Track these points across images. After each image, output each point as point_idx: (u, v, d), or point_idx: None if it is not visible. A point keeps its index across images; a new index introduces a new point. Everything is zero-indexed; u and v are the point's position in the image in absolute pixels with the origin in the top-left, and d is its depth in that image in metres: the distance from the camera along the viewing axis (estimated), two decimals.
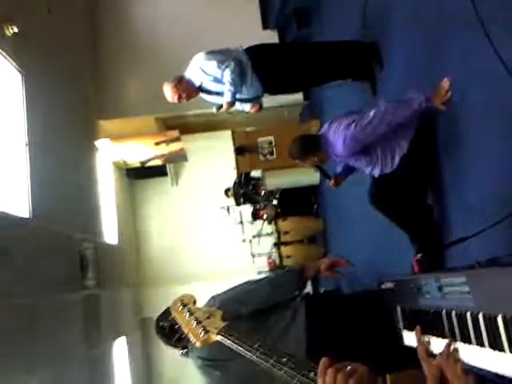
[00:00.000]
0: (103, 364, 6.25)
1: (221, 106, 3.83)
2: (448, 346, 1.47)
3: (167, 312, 2.26)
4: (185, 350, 2.25)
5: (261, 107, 4.03)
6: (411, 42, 3.21)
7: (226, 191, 7.69)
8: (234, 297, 2.21)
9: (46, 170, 5.17)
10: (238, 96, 3.73)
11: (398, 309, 1.93)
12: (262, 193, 7.39)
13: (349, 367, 0.89)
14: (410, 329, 1.84)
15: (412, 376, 2.38)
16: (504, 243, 2.00)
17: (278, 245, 7.14)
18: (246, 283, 2.31)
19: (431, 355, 1.52)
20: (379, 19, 3.76)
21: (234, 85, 3.60)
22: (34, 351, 4.25)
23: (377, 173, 2.94)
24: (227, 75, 3.56)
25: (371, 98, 3.96)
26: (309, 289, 2.78)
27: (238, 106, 3.91)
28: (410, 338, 1.86)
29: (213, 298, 2.26)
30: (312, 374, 0.91)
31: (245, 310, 2.11)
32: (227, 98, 3.68)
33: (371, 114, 2.77)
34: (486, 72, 2.21)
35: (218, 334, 1.22)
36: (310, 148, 3.07)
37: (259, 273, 8.06)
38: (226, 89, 3.63)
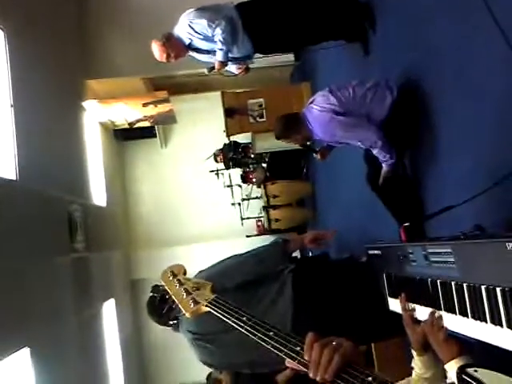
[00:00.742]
0: (93, 326, 6.31)
1: (213, 67, 3.74)
2: (432, 313, 1.49)
3: (158, 291, 2.30)
4: (175, 322, 2.29)
5: (247, 69, 3.94)
6: (404, 8, 3.13)
7: (216, 156, 7.56)
8: (218, 271, 2.24)
9: (32, 131, 5.07)
10: (229, 55, 3.64)
11: (384, 275, 1.95)
12: (252, 156, 7.35)
13: (334, 342, 0.91)
14: (395, 295, 1.86)
15: (396, 344, 2.44)
16: (487, 213, 2.01)
17: (266, 208, 7.15)
18: (230, 257, 2.34)
19: (416, 322, 1.55)
20: None
21: (225, 44, 3.51)
22: (25, 314, 4.28)
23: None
24: (218, 34, 3.46)
25: (362, 59, 3.90)
26: (296, 253, 2.81)
27: (227, 66, 3.83)
28: (395, 304, 1.88)
29: (199, 272, 2.27)
30: (298, 348, 0.93)
31: (229, 283, 2.13)
32: (219, 57, 3.58)
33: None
34: (483, 41, 2.16)
35: (207, 305, 1.23)
36: (292, 127, 3.08)
37: (247, 236, 8.13)
38: (218, 48, 3.53)
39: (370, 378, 0.82)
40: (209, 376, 3.07)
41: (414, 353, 1.56)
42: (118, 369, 7.16)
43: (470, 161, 2.31)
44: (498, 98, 2.06)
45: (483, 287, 1.23)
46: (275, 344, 0.96)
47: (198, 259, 5.53)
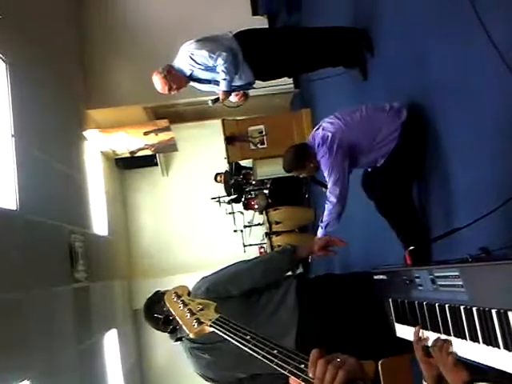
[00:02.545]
0: (94, 357, 6.21)
1: (217, 98, 3.75)
2: (439, 338, 1.45)
3: (159, 300, 2.24)
4: (176, 338, 2.23)
5: (246, 95, 3.96)
6: (402, 30, 3.16)
7: (216, 176, 7.63)
8: (224, 277, 2.20)
9: (33, 161, 5.09)
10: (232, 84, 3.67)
11: (390, 301, 1.90)
12: (253, 182, 7.35)
13: (339, 359, 0.88)
14: (402, 321, 1.81)
15: (402, 362, 2.37)
16: (493, 234, 1.98)
17: (269, 235, 7.10)
18: (237, 263, 2.29)
19: (430, 355, 1.49)
20: (371, 5, 3.71)
21: (228, 73, 3.53)
22: (25, 345, 4.21)
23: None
24: (220, 65, 3.49)
25: (362, 84, 3.92)
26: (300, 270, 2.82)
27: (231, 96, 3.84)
28: (402, 331, 1.83)
29: (203, 278, 2.23)
30: (303, 365, 0.91)
31: (236, 290, 2.10)
32: (223, 87, 3.60)
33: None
34: (480, 60, 2.17)
35: (211, 325, 1.23)
36: (303, 156, 3.04)
37: None
38: (221, 78, 3.55)
39: None
40: None
41: None
42: None
43: (475, 182, 2.29)
44: (499, 114, 2.06)
45: (494, 311, 1.19)
46: (279, 362, 0.95)
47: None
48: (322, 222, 2.97)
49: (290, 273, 2.31)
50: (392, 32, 3.35)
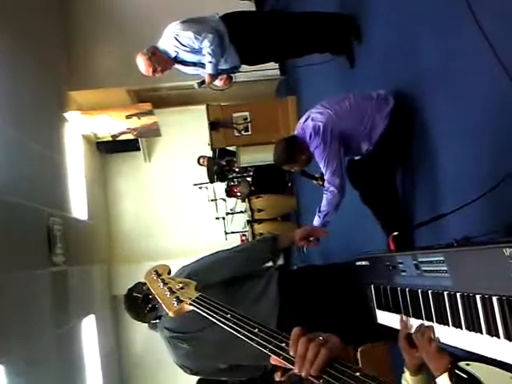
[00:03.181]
0: (72, 342, 6.14)
1: (203, 81, 3.68)
2: (422, 324, 1.43)
3: (139, 284, 2.23)
4: (154, 321, 2.21)
5: (230, 78, 3.89)
6: (390, 17, 3.13)
7: (199, 159, 7.60)
8: (204, 265, 2.18)
9: (11, 141, 4.96)
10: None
11: (372, 287, 1.89)
12: (237, 170, 7.30)
13: (321, 337, 0.87)
14: (383, 308, 1.80)
15: (381, 349, 2.38)
16: (477, 222, 1.98)
17: (251, 222, 7.08)
18: (216, 253, 2.26)
19: (414, 345, 1.48)
20: None
21: (214, 56, 3.46)
22: (1, 329, 4.12)
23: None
24: (206, 47, 3.41)
25: (349, 72, 3.89)
26: (281, 261, 2.78)
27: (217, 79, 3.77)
28: (383, 317, 1.82)
29: (183, 267, 2.21)
30: (284, 344, 0.90)
31: (216, 277, 2.07)
32: (209, 70, 3.52)
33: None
34: (469, 49, 2.15)
35: (190, 303, 1.21)
36: (295, 147, 2.96)
37: None
38: (207, 60, 3.48)
39: (357, 374, 0.78)
40: None
41: (406, 371, 1.50)
42: None
43: (461, 171, 2.28)
44: (486, 103, 2.05)
45: (478, 296, 1.18)
46: (260, 341, 0.93)
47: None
48: (319, 211, 2.91)
49: (271, 263, 2.29)
50: (380, 19, 3.32)
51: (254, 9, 6.98)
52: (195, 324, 2.05)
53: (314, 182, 3.36)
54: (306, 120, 2.96)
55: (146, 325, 2.27)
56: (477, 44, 1.95)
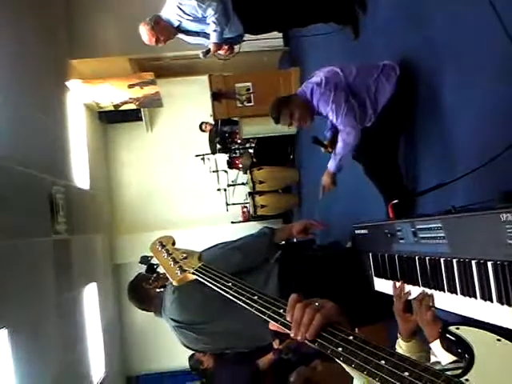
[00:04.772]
0: (74, 309, 6.22)
1: (208, 50, 3.65)
2: (422, 292, 1.47)
3: (146, 256, 2.28)
4: (157, 313, 2.27)
5: (232, 48, 3.85)
6: None
7: (201, 125, 7.60)
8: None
9: (13, 109, 4.93)
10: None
11: (370, 255, 1.92)
12: (239, 141, 7.28)
13: (317, 303, 0.90)
14: (381, 275, 1.83)
15: (379, 330, 2.43)
16: (478, 192, 1.99)
17: (252, 194, 7.10)
18: (215, 246, 2.28)
19: (408, 311, 1.51)
20: None
21: (219, 24, 3.42)
22: (2, 295, 4.18)
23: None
24: (211, 15, 3.37)
25: (353, 43, 3.85)
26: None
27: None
28: (380, 285, 1.86)
29: None
30: (281, 310, 0.93)
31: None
32: (214, 38, 3.49)
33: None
34: (475, 26, 2.12)
35: (193, 272, 1.25)
36: (284, 102, 2.89)
37: (233, 222, 8.08)
38: (212, 29, 3.44)
39: (351, 337, 0.81)
40: (191, 357, 3.05)
41: (399, 337, 1.54)
42: (99, 353, 7.10)
43: (464, 142, 2.28)
44: (492, 76, 2.04)
45: (474, 262, 1.20)
46: (259, 307, 0.97)
47: (182, 245, 5.46)
48: (335, 154, 2.77)
49: (270, 256, 2.29)
50: None
51: None
52: (199, 316, 2.15)
53: (323, 149, 3.17)
54: (309, 79, 2.90)
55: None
56: (486, 16, 1.93)
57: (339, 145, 2.73)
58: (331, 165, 2.81)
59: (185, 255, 1.36)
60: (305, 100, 2.82)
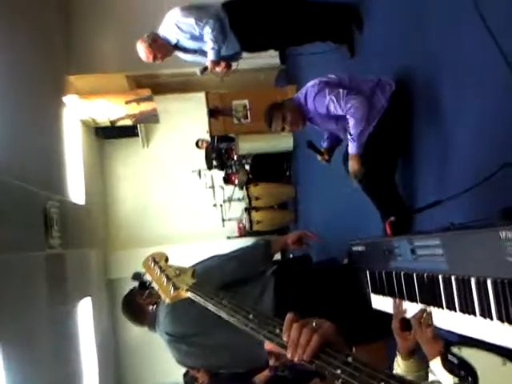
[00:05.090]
0: (67, 324, 6.16)
1: (205, 68, 3.68)
2: (421, 310, 1.46)
3: (139, 273, 2.26)
4: (151, 328, 2.26)
5: (229, 66, 3.88)
6: (393, 7, 3.13)
7: (197, 142, 7.64)
8: (198, 272, 2.18)
9: (9, 124, 4.94)
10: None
11: (367, 272, 1.91)
12: (235, 157, 7.30)
13: (314, 323, 0.88)
14: (379, 292, 1.83)
15: (378, 348, 2.41)
16: (476, 209, 1.99)
17: (248, 210, 7.10)
18: (210, 258, 2.28)
19: (406, 328, 1.51)
20: None
21: (216, 42, 3.45)
22: None
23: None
24: (208, 33, 3.40)
25: (349, 62, 3.88)
26: (278, 255, 2.74)
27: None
28: (378, 302, 1.85)
29: None
30: (278, 330, 0.91)
31: (209, 285, 2.09)
32: (211, 56, 3.51)
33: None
34: (473, 45, 2.15)
35: (187, 290, 1.23)
36: (276, 107, 2.93)
37: (228, 238, 8.06)
38: (209, 47, 3.47)
39: (349, 358, 0.80)
40: (186, 374, 3.01)
41: (398, 355, 1.53)
42: (93, 368, 7.00)
43: (462, 157, 2.30)
44: (487, 92, 2.06)
45: (473, 279, 1.20)
46: (254, 326, 0.95)
47: (177, 260, 5.41)
48: (351, 135, 2.67)
49: (264, 267, 2.31)
50: (381, 11, 3.32)
51: None
52: (192, 328, 2.14)
53: (319, 157, 3.17)
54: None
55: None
56: (481, 35, 1.95)
57: (351, 123, 2.64)
58: (352, 148, 2.70)
59: (178, 272, 1.35)
60: (298, 104, 2.85)
